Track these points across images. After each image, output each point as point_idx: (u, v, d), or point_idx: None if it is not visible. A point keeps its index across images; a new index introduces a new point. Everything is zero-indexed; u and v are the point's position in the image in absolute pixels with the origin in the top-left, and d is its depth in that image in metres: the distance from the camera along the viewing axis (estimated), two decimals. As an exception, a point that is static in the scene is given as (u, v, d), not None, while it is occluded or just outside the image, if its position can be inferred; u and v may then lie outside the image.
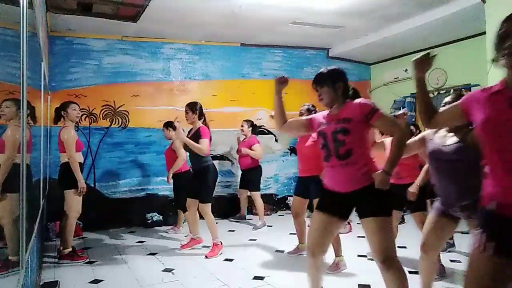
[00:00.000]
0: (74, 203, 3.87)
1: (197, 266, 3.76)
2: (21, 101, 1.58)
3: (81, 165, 3.98)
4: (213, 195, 5.93)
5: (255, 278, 3.38)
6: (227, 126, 6.26)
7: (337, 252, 3.61)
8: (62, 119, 3.98)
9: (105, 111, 5.67)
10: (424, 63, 1.80)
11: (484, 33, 4.57)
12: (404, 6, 4.91)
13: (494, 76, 4.63)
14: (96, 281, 3.37)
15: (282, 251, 4.22)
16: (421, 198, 3.38)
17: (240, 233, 5.15)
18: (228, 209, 6.20)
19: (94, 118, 5.60)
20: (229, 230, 5.37)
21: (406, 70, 6.57)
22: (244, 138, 5.70)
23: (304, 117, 2.65)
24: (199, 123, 4.11)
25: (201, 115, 4.16)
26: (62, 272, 3.59)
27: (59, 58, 5.41)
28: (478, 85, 5.37)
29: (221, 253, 4.07)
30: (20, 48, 1.56)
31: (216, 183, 4.27)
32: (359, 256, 4.03)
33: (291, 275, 3.42)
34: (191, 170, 5.62)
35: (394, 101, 6.85)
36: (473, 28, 5.31)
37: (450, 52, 5.87)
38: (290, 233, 4.78)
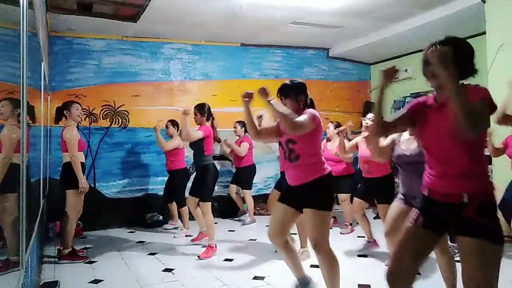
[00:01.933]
0: (74, 203, 3.86)
1: (197, 266, 3.76)
2: (21, 101, 1.58)
3: (83, 165, 3.97)
4: (213, 195, 5.98)
5: (255, 278, 3.38)
6: (227, 126, 6.24)
7: (303, 243, 3.90)
8: (64, 118, 3.97)
9: (105, 111, 5.67)
10: (390, 74, 1.93)
11: (484, 33, 4.57)
12: (404, 6, 4.91)
13: (494, 76, 4.65)
14: (96, 281, 3.37)
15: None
16: (388, 191, 3.76)
17: (240, 233, 5.15)
18: (228, 209, 6.21)
19: (94, 118, 5.60)
20: (229, 230, 5.37)
21: (406, 70, 6.57)
22: (238, 139, 5.77)
23: (273, 124, 2.89)
24: (207, 124, 4.25)
25: (209, 116, 4.31)
26: (62, 272, 3.59)
27: (59, 58, 5.41)
28: (478, 85, 5.36)
29: (214, 255, 4.07)
30: (20, 48, 1.56)
31: (216, 182, 4.35)
32: (359, 256, 4.03)
33: (291, 275, 3.41)
34: (190, 169, 5.70)
35: (394, 101, 6.85)
36: (473, 28, 5.30)
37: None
38: (292, 233, 4.77)
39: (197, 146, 4.21)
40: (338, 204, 5.47)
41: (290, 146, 2.62)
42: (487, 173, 1.74)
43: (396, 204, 2.91)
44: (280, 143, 2.76)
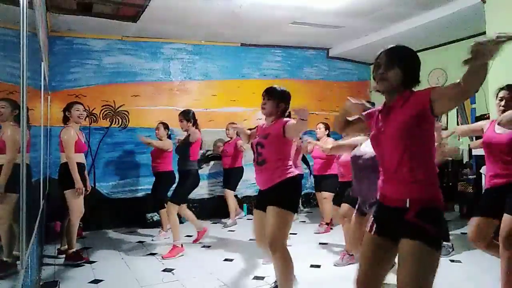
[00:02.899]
0: (74, 203, 3.85)
1: (197, 266, 3.76)
2: (21, 101, 1.58)
3: (81, 165, 3.94)
4: (212, 195, 5.96)
5: (255, 278, 3.38)
6: (227, 126, 6.26)
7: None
8: (68, 120, 3.99)
9: (105, 111, 5.67)
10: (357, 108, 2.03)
11: (484, 33, 4.57)
12: (404, 6, 4.91)
13: (494, 76, 4.65)
14: (96, 281, 3.37)
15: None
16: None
17: (240, 233, 5.15)
18: (227, 209, 6.19)
19: (94, 118, 5.60)
20: (229, 230, 5.37)
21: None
22: (229, 141, 5.77)
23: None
24: (195, 130, 4.29)
25: (195, 122, 4.35)
26: (62, 272, 3.59)
27: (59, 58, 5.41)
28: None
29: (181, 255, 4.06)
30: (20, 48, 1.56)
31: (194, 189, 4.48)
32: (359, 256, 4.03)
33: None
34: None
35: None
36: (473, 28, 5.30)
37: (450, 52, 5.87)
38: (290, 233, 4.77)
39: (184, 151, 4.24)
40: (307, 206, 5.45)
41: (258, 150, 2.73)
42: (433, 180, 1.72)
43: (355, 217, 3.19)
44: (251, 145, 2.86)
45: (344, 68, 7.49)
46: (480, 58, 1.47)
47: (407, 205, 1.68)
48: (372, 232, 1.82)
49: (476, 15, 4.68)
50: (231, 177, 5.72)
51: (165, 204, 4.87)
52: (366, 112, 1.99)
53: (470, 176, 5.52)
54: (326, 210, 5.04)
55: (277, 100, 2.75)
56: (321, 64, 7.24)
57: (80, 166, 3.90)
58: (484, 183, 2.98)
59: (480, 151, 5.21)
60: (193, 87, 6.25)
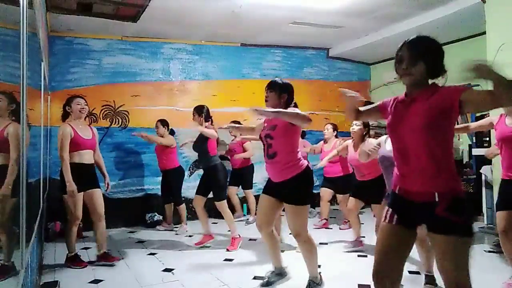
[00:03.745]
0: (69, 208, 3.64)
1: (197, 266, 3.75)
2: (21, 101, 1.58)
3: (85, 166, 3.67)
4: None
5: (255, 278, 3.38)
6: (227, 126, 6.26)
7: (278, 232, 3.95)
8: (69, 116, 3.74)
9: (105, 111, 5.67)
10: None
11: (484, 33, 4.57)
12: (404, 6, 4.91)
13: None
14: (96, 281, 3.37)
15: (282, 251, 4.20)
16: (380, 192, 3.66)
17: (240, 233, 5.15)
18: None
19: (94, 118, 5.59)
20: (229, 230, 5.36)
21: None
22: (233, 139, 5.77)
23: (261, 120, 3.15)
24: (206, 125, 4.31)
25: (208, 118, 4.36)
26: (62, 273, 3.59)
27: (59, 58, 5.41)
28: (478, 85, 5.35)
29: (240, 247, 4.29)
30: (20, 48, 1.56)
31: (227, 181, 4.56)
32: (359, 256, 4.03)
33: (291, 275, 3.42)
34: (190, 169, 5.73)
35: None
36: (473, 28, 5.30)
37: (450, 52, 5.85)
38: (290, 233, 4.77)
39: (201, 147, 4.27)
40: (337, 203, 5.52)
41: (268, 141, 2.81)
42: (455, 171, 1.74)
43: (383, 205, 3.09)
44: (260, 138, 2.94)
45: (344, 68, 7.49)
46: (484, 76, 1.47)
47: (436, 199, 1.67)
48: (393, 222, 1.80)
49: (476, 15, 4.68)
50: (246, 176, 5.76)
51: (178, 201, 5.20)
52: (381, 102, 2.00)
53: (470, 176, 5.52)
54: (344, 211, 5.09)
55: (278, 92, 2.83)
56: (321, 64, 7.24)
57: (82, 166, 3.63)
58: (501, 175, 3.10)
59: (480, 151, 5.21)
60: (193, 87, 6.25)
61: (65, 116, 3.79)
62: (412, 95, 1.79)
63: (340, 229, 5.24)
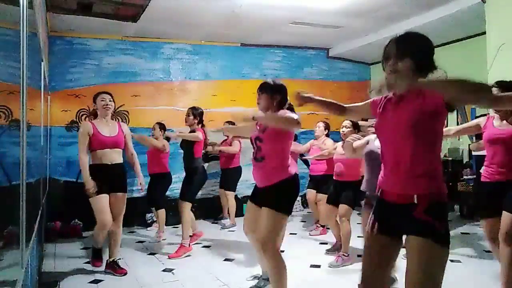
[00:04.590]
0: (94, 211, 3.44)
1: (197, 266, 3.76)
2: (21, 101, 1.58)
3: (104, 167, 3.43)
4: (211, 196, 5.94)
5: (255, 278, 3.38)
6: (227, 126, 6.25)
7: None
8: (96, 114, 3.65)
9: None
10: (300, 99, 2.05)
11: (484, 33, 4.57)
12: (404, 6, 4.91)
13: (494, 76, 4.65)
14: (96, 281, 3.37)
15: (282, 251, 4.21)
16: (354, 195, 3.72)
17: (240, 233, 5.14)
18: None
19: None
20: (229, 231, 5.37)
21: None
22: (226, 139, 5.71)
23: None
24: (196, 127, 4.27)
25: (201, 121, 4.32)
26: (62, 272, 3.59)
27: (59, 58, 5.41)
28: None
29: (187, 255, 4.07)
30: (20, 48, 1.56)
31: (202, 186, 4.41)
32: (358, 256, 4.03)
33: (291, 275, 3.42)
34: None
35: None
36: (473, 28, 5.30)
37: (450, 52, 5.87)
38: (290, 233, 4.78)
39: (188, 147, 4.24)
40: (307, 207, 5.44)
41: (257, 144, 2.69)
42: (439, 174, 1.68)
43: (364, 212, 3.10)
44: (250, 140, 2.81)
45: (344, 68, 7.48)
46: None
47: (415, 201, 1.62)
48: (375, 232, 1.75)
49: (476, 15, 4.68)
50: (231, 177, 5.64)
51: (159, 205, 5.01)
52: (371, 100, 1.94)
53: (470, 176, 5.52)
54: (321, 212, 4.91)
55: (270, 93, 2.72)
56: (321, 64, 7.24)
57: (103, 166, 3.42)
58: (482, 177, 2.98)
59: (480, 152, 5.22)
60: (193, 87, 6.25)
61: (95, 114, 3.68)
62: (400, 94, 1.73)
63: (310, 235, 5.01)
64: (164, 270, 3.64)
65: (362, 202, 3.30)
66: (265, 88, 2.76)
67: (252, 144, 2.76)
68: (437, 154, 1.71)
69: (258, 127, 2.76)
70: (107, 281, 3.38)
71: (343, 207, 3.80)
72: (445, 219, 1.64)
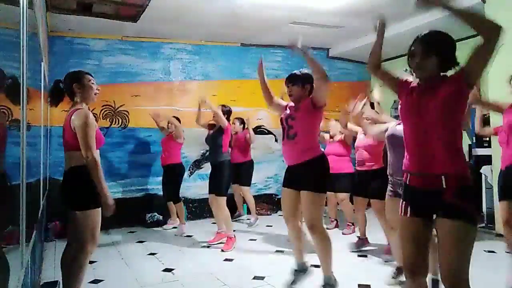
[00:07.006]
0: (88, 229, 2.62)
1: (197, 266, 3.76)
2: (21, 101, 1.58)
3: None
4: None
5: (255, 278, 3.38)
6: (227, 126, 6.25)
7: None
8: (73, 97, 2.68)
9: (105, 111, 5.67)
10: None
11: (484, 33, 4.56)
12: (403, 6, 4.91)
13: (494, 76, 4.65)
14: (96, 281, 3.37)
15: (282, 251, 4.22)
16: (380, 186, 3.40)
17: (240, 233, 5.15)
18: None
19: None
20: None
21: (406, 70, 6.56)
22: (236, 133, 5.66)
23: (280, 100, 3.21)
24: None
25: (228, 119, 4.53)
26: (62, 272, 3.59)
27: (59, 58, 5.41)
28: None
29: (234, 247, 4.26)
30: (20, 48, 1.56)
31: (231, 180, 4.58)
32: (359, 256, 4.03)
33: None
34: (190, 169, 5.69)
35: (394, 101, 6.84)
36: (473, 28, 5.30)
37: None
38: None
39: (215, 141, 4.35)
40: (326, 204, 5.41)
41: (289, 123, 2.84)
42: (463, 154, 1.80)
43: (388, 200, 2.97)
44: (281, 120, 2.95)
45: (344, 68, 7.48)
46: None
47: (444, 185, 1.72)
48: (408, 215, 1.85)
49: (476, 15, 4.68)
50: (245, 171, 5.60)
51: (177, 199, 5.17)
52: (401, 79, 2.02)
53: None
54: (346, 211, 4.96)
55: (301, 84, 2.88)
56: (321, 64, 7.21)
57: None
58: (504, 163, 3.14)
59: (480, 151, 5.22)
60: (193, 87, 6.25)
61: (72, 97, 2.64)
62: (426, 84, 1.84)
63: (343, 233, 4.89)
64: (164, 270, 3.64)
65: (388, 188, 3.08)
66: (295, 80, 2.90)
67: (282, 124, 2.90)
68: (460, 136, 1.82)
69: (289, 109, 2.94)
70: (107, 281, 3.38)
71: (375, 203, 3.60)
72: (473, 200, 1.75)
